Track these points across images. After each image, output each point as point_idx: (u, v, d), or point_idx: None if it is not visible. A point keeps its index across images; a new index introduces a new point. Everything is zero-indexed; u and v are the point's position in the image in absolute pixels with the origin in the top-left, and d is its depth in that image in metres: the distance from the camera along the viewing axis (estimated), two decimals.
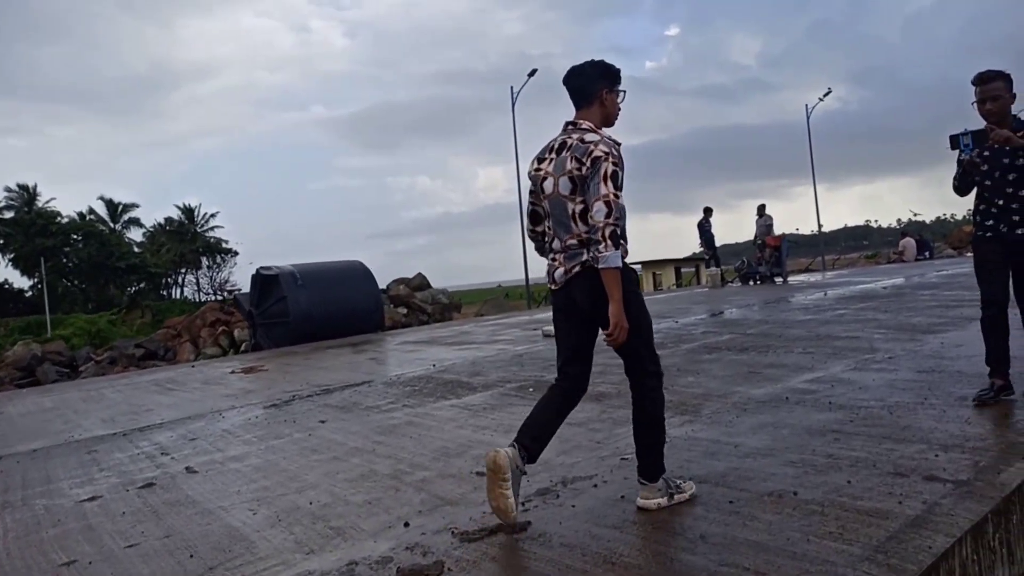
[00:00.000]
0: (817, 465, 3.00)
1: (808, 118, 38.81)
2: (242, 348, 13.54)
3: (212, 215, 73.58)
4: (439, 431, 4.29)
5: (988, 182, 3.79)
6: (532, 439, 2.73)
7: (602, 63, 2.79)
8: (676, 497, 2.73)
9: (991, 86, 3.64)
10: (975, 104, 3.70)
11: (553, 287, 2.77)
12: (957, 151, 3.79)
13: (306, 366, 8.38)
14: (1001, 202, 3.76)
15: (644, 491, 2.73)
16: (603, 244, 2.50)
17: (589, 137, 2.64)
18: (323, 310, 11.95)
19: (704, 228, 17.18)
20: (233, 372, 8.33)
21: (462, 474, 3.36)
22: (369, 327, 12.62)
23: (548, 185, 2.70)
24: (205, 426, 5.16)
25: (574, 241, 2.63)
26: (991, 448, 3.01)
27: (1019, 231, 3.72)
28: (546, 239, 2.80)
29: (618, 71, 2.81)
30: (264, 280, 12.19)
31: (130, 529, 3.02)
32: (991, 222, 3.81)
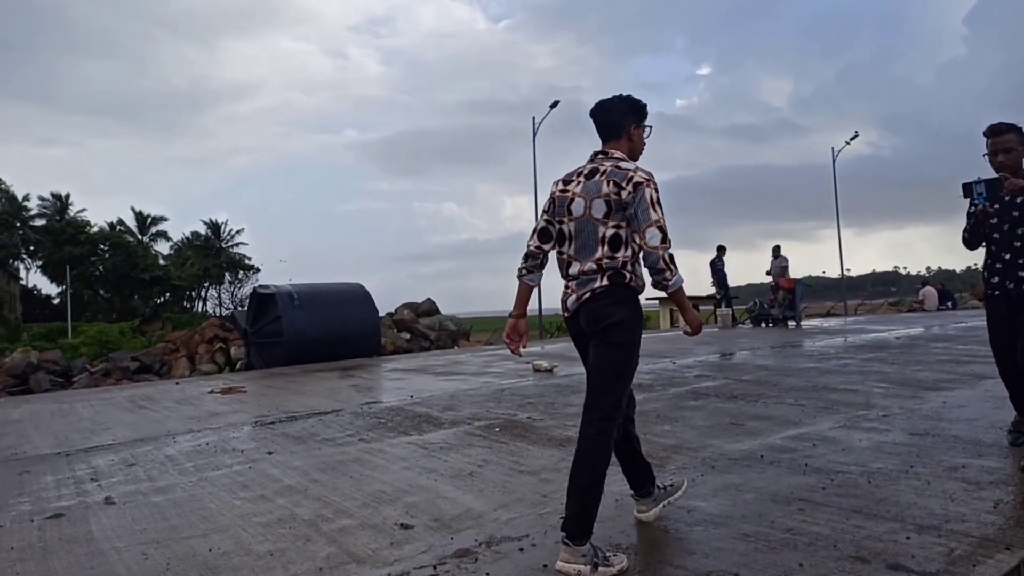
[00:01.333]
0: (772, 541, 2.66)
1: (834, 161, 38.48)
2: (237, 366, 13.36)
3: (238, 231, 74.55)
4: (384, 471, 4.00)
5: (996, 235, 3.66)
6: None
7: (630, 98, 2.81)
8: (600, 570, 2.42)
9: (1004, 138, 3.55)
10: (987, 156, 3.61)
11: (566, 315, 2.73)
12: (968, 200, 3.64)
13: (286, 390, 8.14)
14: (1008, 256, 3.62)
15: (565, 552, 2.45)
16: (668, 271, 2.52)
17: (625, 164, 2.64)
18: (319, 332, 11.72)
19: (717, 267, 16.80)
20: (211, 392, 8.11)
21: (385, 525, 3.06)
22: (366, 351, 12.37)
23: (577, 207, 2.66)
24: (152, 450, 4.91)
25: (593, 266, 2.60)
26: (971, 533, 2.65)
27: None
28: (562, 263, 2.75)
29: (646, 106, 2.83)
30: (261, 299, 12.03)
31: (6, 569, 2.76)
32: (997, 279, 3.68)
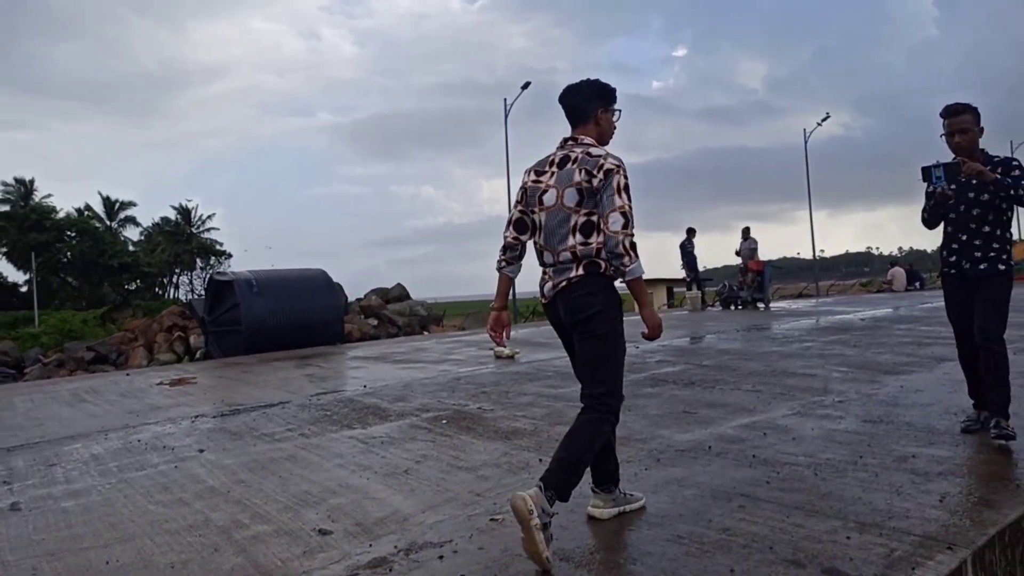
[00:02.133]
0: (706, 543, 2.51)
1: (806, 142, 38.60)
2: (197, 355, 13.03)
3: (209, 216, 73.27)
4: (316, 469, 3.80)
5: (953, 215, 3.71)
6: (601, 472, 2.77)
7: (597, 82, 2.78)
8: (551, 524, 2.39)
9: (960, 119, 3.58)
10: (943, 136, 3.65)
11: (544, 301, 2.75)
12: (927, 184, 3.70)
13: (238, 380, 7.88)
14: (964, 237, 3.68)
15: (533, 493, 2.37)
16: (627, 256, 2.50)
17: (595, 151, 2.63)
18: (279, 320, 11.43)
19: (686, 249, 16.71)
20: (160, 384, 7.83)
21: (303, 531, 2.86)
22: (329, 339, 12.10)
23: (549, 197, 2.67)
24: (79, 448, 4.66)
25: (568, 255, 2.60)
26: (914, 531, 2.52)
27: (982, 267, 3.63)
28: (536, 251, 2.76)
29: (614, 90, 2.79)
30: (218, 286, 11.69)
31: None
32: (954, 258, 3.73)
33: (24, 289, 61.45)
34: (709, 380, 5.99)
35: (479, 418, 4.92)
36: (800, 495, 2.96)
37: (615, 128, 2.84)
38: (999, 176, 3.48)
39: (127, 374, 9.69)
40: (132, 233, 70.22)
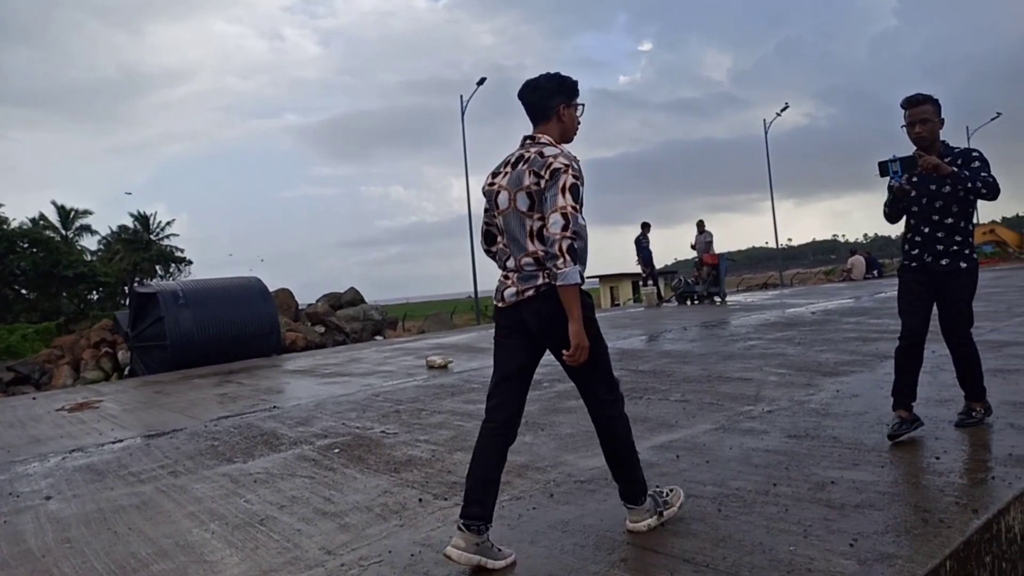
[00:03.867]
0: None
1: (766, 132, 38.70)
2: (126, 372, 12.34)
3: (168, 223, 71.77)
4: (162, 520, 3.30)
5: (915, 208, 3.65)
6: (479, 505, 2.47)
7: (558, 76, 2.62)
8: (666, 514, 2.70)
9: (920, 109, 3.52)
10: (904, 127, 3.59)
11: (500, 304, 2.60)
12: (887, 178, 3.63)
13: (145, 403, 7.31)
14: (927, 230, 3.61)
15: (632, 515, 2.67)
16: (561, 259, 2.34)
17: (548, 151, 2.48)
18: (208, 333, 10.84)
19: (642, 244, 16.35)
20: (60, 410, 7.23)
21: None
22: (263, 351, 11.54)
23: (503, 199, 2.54)
24: None
25: (530, 260, 2.47)
26: None
27: (944, 261, 3.57)
28: (499, 257, 2.63)
29: (575, 84, 2.64)
30: (141, 298, 11.05)
31: None
32: (916, 251, 3.66)
33: None
34: (639, 389, 5.59)
35: (377, 444, 4.45)
36: (693, 541, 2.54)
37: (579, 123, 2.67)
38: (956, 170, 3.41)
39: (33, 398, 9.03)
40: (90, 242, 68.33)
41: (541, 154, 2.47)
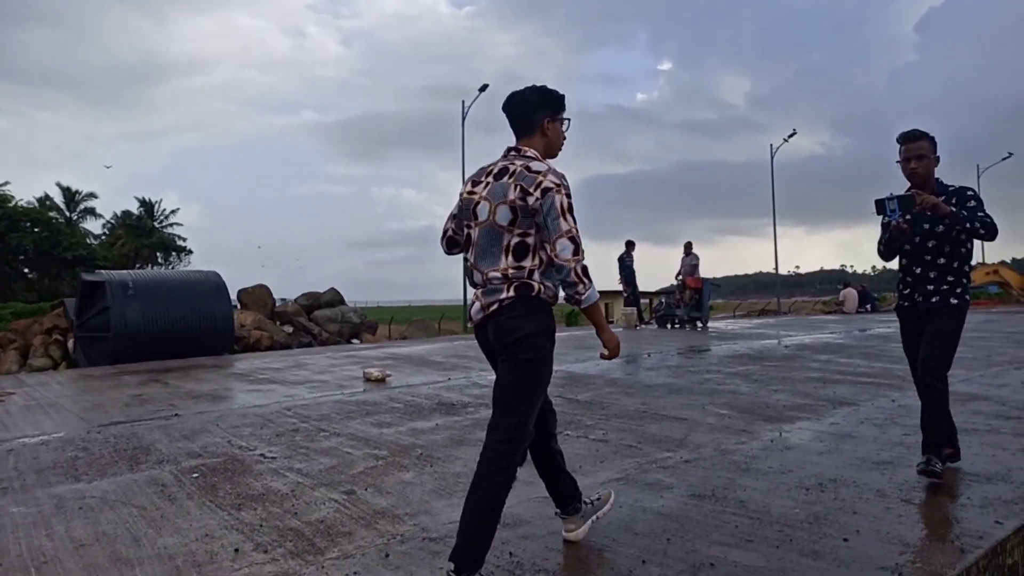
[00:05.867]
0: None
1: (772, 157, 38.32)
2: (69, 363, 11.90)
3: (173, 211, 71.81)
4: None
5: (908, 247, 3.59)
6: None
7: (544, 89, 2.57)
8: None
9: (916, 144, 3.48)
10: (899, 163, 3.54)
11: (471, 324, 2.55)
12: (883, 216, 3.61)
13: (55, 400, 6.84)
14: (919, 270, 3.56)
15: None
16: (580, 284, 2.37)
17: (536, 166, 2.42)
18: (155, 327, 10.39)
19: (625, 263, 15.86)
20: None
21: None
22: (215, 349, 11.07)
23: (482, 211, 2.47)
24: None
25: (498, 275, 2.42)
26: None
27: (933, 300, 3.50)
28: (465, 270, 2.63)
29: (562, 97, 2.59)
30: (87, 287, 10.61)
31: None
32: (908, 290, 3.63)
33: None
34: (564, 423, 5.09)
35: (244, 471, 3.97)
36: None
37: (564, 139, 2.63)
38: (954, 209, 3.34)
39: None
40: (94, 226, 68.38)
41: (528, 168, 2.40)
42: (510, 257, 2.41)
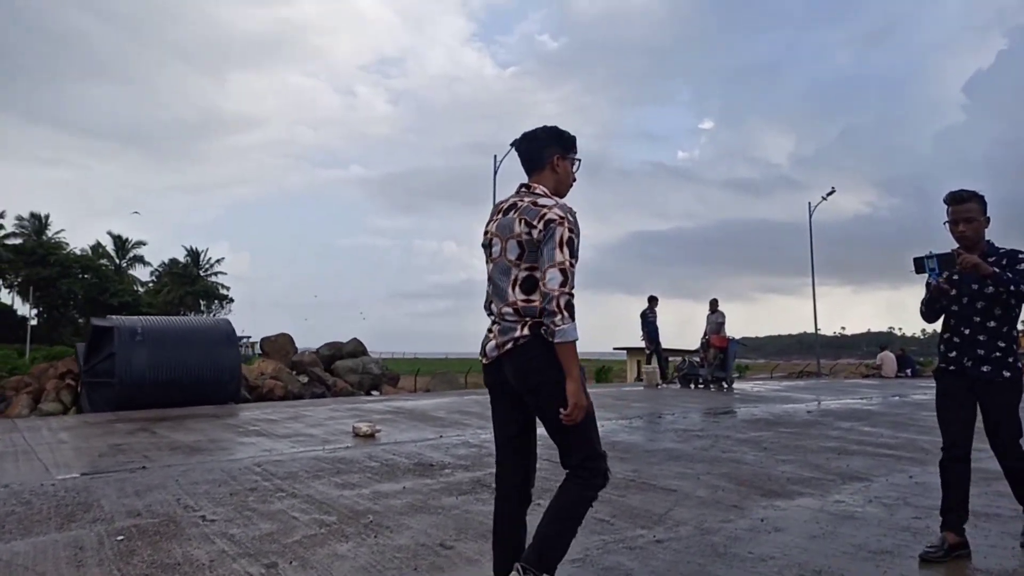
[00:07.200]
0: None
1: (811, 215, 37.50)
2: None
3: (217, 260, 73.81)
4: None
5: (955, 308, 3.40)
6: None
7: (555, 129, 2.60)
8: None
9: (965, 207, 3.31)
10: (947, 224, 3.39)
11: (484, 361, 2.53)
12: (924, 275, 3.44)
13: (36, 445, 6.68)
14: (967, 332, 3.34)
15: None
16: (559, 316, 2.28)
17: (543, 201, 2.44)
18: (162, 374, 10.30)
19: (648, 319, 15.40)
20: None
21: None
22: (221, 398, 10.92)
23: (495, 248, 2.50)
24: None
25: (510, 311, 2.42)
26: None
27: (984, 368, 3.27)
28: (484, 305, 2.59)
29: (572, 138, 2.62)
30: (97, 332, 10.62)
31: None
32: (954, 353, 3.40)
33: (35, 323, 61.15)
34: (541, 489, 4.67)
35: (174, 535, 3.67)
36: None
37: (574, 179, 2.64)
38: (997, 271, 3.17)
39: None
40: (143, 273, 70.65)
41: (535, 203, 2.41)
42: (519, 291, 2.40)
